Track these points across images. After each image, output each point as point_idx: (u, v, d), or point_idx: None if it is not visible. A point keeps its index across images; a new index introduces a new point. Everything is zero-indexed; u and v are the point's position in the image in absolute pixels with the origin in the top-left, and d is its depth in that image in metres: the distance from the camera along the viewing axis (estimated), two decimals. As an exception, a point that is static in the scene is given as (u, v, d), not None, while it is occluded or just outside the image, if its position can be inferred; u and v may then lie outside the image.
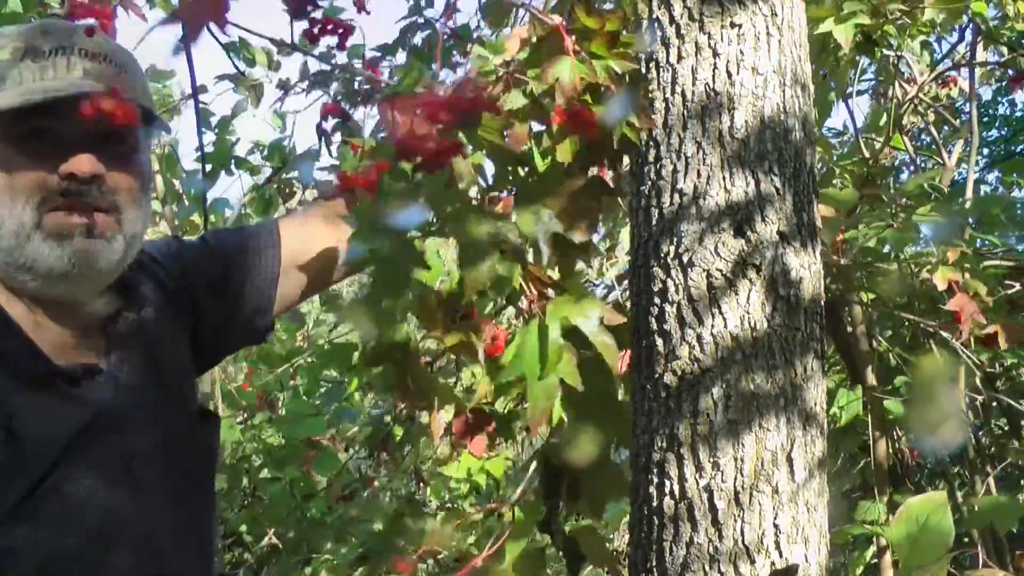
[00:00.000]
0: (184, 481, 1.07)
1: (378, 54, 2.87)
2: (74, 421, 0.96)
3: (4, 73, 0.98)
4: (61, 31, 1.02)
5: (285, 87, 3.09)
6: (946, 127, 3.16)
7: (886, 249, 2.12)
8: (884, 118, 2.50)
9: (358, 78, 2.90)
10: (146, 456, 1.02)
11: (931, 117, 2.94)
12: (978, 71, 2.62)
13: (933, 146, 3.11)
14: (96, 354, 1.04)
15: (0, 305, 0.98)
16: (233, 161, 3.25)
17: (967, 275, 1.82)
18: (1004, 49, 2.55)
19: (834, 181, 2.30)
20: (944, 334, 2.01)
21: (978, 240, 2.20)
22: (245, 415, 3.34)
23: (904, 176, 3.14)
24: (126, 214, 1.02)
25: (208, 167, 3.12)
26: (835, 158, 2.50)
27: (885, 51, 2.21)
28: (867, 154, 2.39)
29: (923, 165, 3.40)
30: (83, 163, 0.97)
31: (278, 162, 3.27)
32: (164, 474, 1.04)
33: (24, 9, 2.24)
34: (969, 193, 2.63)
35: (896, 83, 2.47)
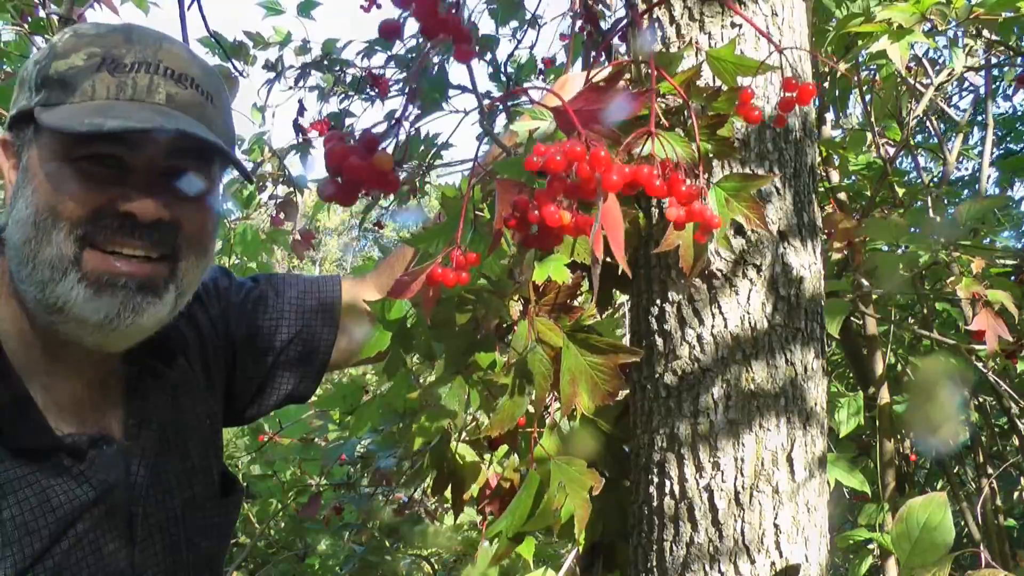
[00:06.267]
0: (192, 562, 0.98)
1: (377, 49, 2.88)
2: (73, 502, 0.84)
3: (75, 81, 0.84)
4: (147, 40, 0.88)
5: (274, 68, 3.09)
6: (942, 124, 3.16)
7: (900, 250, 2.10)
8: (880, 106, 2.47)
9: (349, 70, 2.92)
10: (151, 538, 0.93)
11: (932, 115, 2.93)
12: (971, 61, 2.59)
13: (933, 139, 3.12)
14: (113, 413, 0.94)
15: (14, 351, 0.87)
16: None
17: (989, 286, 1.75)
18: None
19: (845, 180, 2.29)
20: (964, 352, 1.99)
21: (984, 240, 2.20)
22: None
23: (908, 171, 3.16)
24: (183, 261, 0.89)
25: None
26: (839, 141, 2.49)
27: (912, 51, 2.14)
28: (871, 140, 2.38)
29: (929, 165, 3.41)
30: (147, 207, 0.84)
31: (259, 155, 3.26)
32: (171, 555, 0.94)
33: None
34: (986, 191, 2.63)
35: (913, 79, 2.42)
